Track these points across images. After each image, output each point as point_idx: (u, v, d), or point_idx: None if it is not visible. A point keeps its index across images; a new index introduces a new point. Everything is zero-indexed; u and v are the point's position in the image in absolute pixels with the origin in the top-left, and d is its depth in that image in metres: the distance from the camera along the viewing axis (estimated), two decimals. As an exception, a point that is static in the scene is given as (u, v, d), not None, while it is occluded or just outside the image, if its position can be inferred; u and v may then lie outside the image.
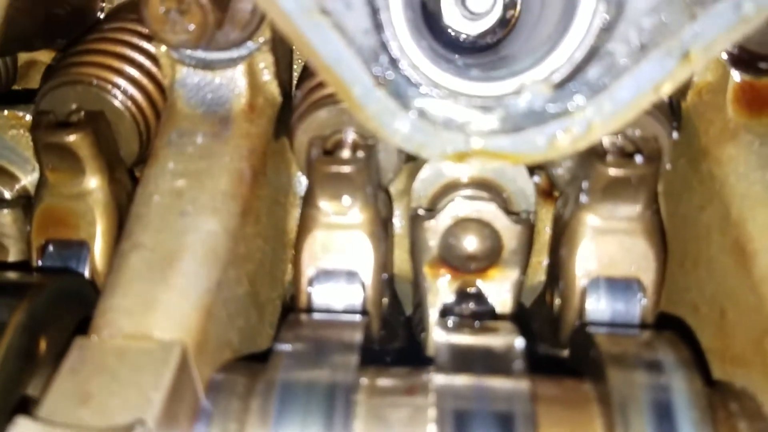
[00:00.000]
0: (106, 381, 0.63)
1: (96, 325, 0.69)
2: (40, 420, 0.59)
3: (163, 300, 0.70)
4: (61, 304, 0.78)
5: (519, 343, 0.71)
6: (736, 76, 0.86)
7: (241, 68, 0.90)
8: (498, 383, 0.65)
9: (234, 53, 0.90)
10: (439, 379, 0.65)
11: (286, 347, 0.71)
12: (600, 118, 0.69)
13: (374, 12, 0.67)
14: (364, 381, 0.70)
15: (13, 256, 0.99)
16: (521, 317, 1.07)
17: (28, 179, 1.02)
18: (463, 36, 1.15)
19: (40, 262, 0.90)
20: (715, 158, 0.85)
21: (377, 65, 0.68)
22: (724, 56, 0.86)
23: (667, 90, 0.67)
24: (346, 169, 0.83)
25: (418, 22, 0.90)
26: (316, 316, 0.81)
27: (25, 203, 0.98)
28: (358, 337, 0.73)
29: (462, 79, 0.72)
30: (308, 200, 0.88)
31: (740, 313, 0.77)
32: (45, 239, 0.90)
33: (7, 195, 1.01)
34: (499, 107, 0.71)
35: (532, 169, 0.95)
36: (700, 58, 0.65)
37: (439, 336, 0.73)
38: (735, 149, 0.83)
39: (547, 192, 1.06)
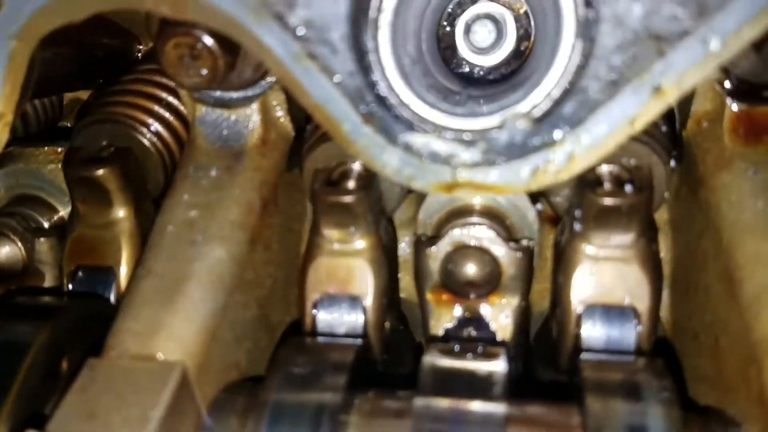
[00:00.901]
0: (111, 399, 0.68)
1: (107, 346, 0.74)
2: (48, 433, 0.64)
3: (168, 323, 0.75)
4: (84, 327, 0.84)
5: (502, 368, 0.73)
6: (732, 105, 0.86)
7: (255, 106, 0.95)
8: (475, 407, 0.66)
9: (249, 92, 0.95)
10: (418, 402, 0.67)
11: (280, 369, 0.74)
12: (579, 150, 0.71)
13: (360, 55, 0.71)
14: (356, 402, 0.73)
15: (48, 281, 1.06)
16: (526, 343, 1.09)
17: (64, 210, 1.09)
18: (477, 68, 1.18)
19: (71, 287, 0.97)
20: (711, 186, 0.85)
21: (363, 104, 0.72)
22: (723, 86, 0.87)
23: (641, 123, 0.68)
24: (347, 199, 0.87)
25: (420, 58, 0.94)
26: (313, 339, 0.84)
27: (60, 232, 1.05)
28: (350, 359, 0.76)
29: (447, 115, 0.75)
30: (313, 229, 0.91)
31: (730, 340, 0.76)
32: (75, 265, 0.97)
33: (45, 225, 1.08)
34: (481, 141, 0.73)
35: (536, 197, 0.97)
36: (673, 92, 0.66)
37: (426, 360, 0.75)
38: (729, 177, 0.83)
39: (554, 219, 1.07)
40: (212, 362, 0.78)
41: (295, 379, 0.73)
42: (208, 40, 0.80)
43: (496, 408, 0.66)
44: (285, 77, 0.71)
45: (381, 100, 0.73)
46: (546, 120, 0.70)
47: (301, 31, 0.68)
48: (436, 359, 0.74)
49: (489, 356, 0.75)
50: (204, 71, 0.83)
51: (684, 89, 0.66)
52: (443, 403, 0.67)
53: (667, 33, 0.62)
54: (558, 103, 0.70)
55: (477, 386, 0.70)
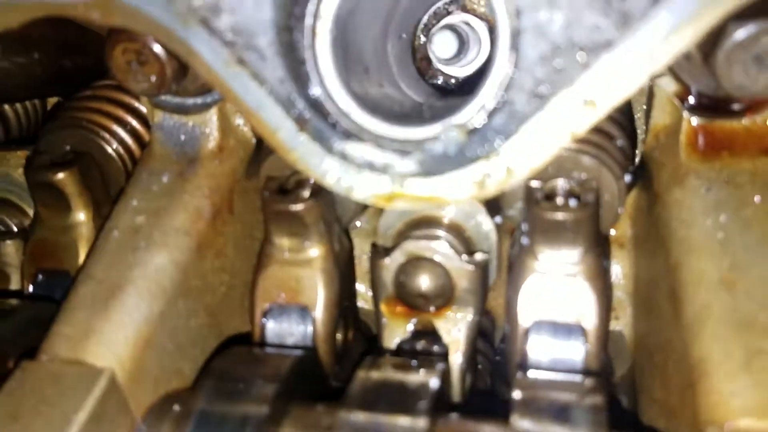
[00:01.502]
0: (35, 402, 0.67)
1: (41, 350, 0.74)
2: (-33, 435, 0.64)
3: (99, 329, 0.74)
4: (29, 330, 0.83)
5: (433, 383, 0.71)
6: (691, 119, 0.83)
7: (213, 112, 0.95)
8: (397, 421, 0.65)
9: (207, 98, 0.95)
10: (341, 416, 0.66)
11: (211, 378, 0.73)
12: (513, 162, 0.69)
13: (293, 62, 0.70)
14: (286, 415, 0.72)
15: (14, 283, 1.06)
16: (493, 357, 1.07)
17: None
18: (452, 80, 1.17)
19: (31, 289, 0.97)
20: (664, 202, 0.82)
21: (295, 110, 0.71)
22: (681, 100, 0.84)
23: (574, 136, 0.66)
24: (297, 207, 0.86)
25: (381, 67, 0.93)
26: (253, 348, 0.83)
27: (27, 235, 1.05)
28: (284, 369, 0.74)
29: (386, 124, 0.74)
30: (265, 237, 0.90)
31: (674, 361, 0.73)
32: (35, 269, 0.97)
33: (14, 227, 1.09)
34: (417, 151, 0.71)
35: (494, 211, 0.95)
36: (604, 103, 0.64)
37: (359, 373, 0.73)
38: (681, 193, 0.80)
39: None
40: (147, 369, 0.77)
41: (225, 389, 0.72)
42: (156, 47, 0.80)
43: (418, 423, 0.64)
44: (217, 84, 0.71)
45: (316, 108, 0.72)
46: (478, 132, 0.69)
47: (227, 36, 0.67)
48: (368, 372, 0.72)
49: (423, 370, 0.73)
50: (152, 77, 0.83)
51: (616, 101, 0.64)
52: (365, 417, 0.65)
53: (590, 44, 0.60)
54: (491, 115, 0.68)
55: (405, 400, 0.68)
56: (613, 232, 1.00)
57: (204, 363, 0.85)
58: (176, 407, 0.75)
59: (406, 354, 0.91)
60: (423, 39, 1.13)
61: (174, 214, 0.86)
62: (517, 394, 0.68)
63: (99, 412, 0.68)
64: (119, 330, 0.74)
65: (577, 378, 0.73)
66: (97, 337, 0.73)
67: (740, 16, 0.63)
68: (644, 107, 0.94)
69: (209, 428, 0.69)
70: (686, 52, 0.73)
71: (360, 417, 0.65)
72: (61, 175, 0.95)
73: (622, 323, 1.02)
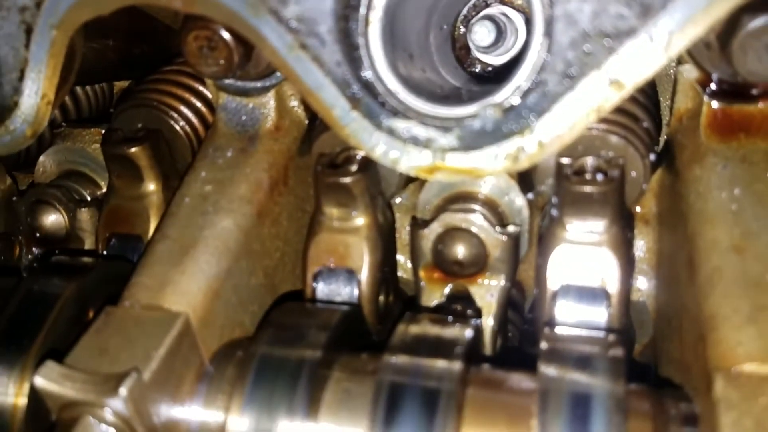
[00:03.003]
0: (120, 340, 0.77)
1: (123, 297, 0.83)
2: (64, 365, 0.73)
3: (175, 280, 0.83)
4: (108, 283, 0.94)
5: (468, 334, 0.79)
6: (712, 103, 0.89)
7: (271, 95, 1.03)
8: (435, 364, 0.73)
9: (266, 82, 1.03)
10: (384, 360, 0.74)
11: (269, 327, 0.82)
12: (545, 137, 0.76)
13: (348, 47, 0.78)
14: (337, 360, 0.80)
15: (87, 246, 1.17)
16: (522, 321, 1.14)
17: (105, 184, 1.20)
18: (489, 68, 1.24)
19: (105, 252, 1.07)
20: (684, 179, 0.88)
21: (350, 90, 0.79)
22: (702, 85, 0.90)
23: (601, 113, 0.73)
24: (345, 180, 0.94)
25: (424, 54, 1.00)
26: (305, 303, 0.92)
27: (100, 204, 1.16)
28: (334, 321, 0.83)
29: (430, 104, 0.81)
30: (316, 207, 0.99)
31: (689, 321, 0.80)
32: (109, 233, 1.07)
33: (87, 197, 1.20)
34: (457, 127, 0.79)
35: (527, 187, 1.02)
36: (629, 84, 0.71)
37: (400, 325, 0.81)
38: (700, 170, 0.86)
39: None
40: (215, 318, 0.86)
41: (282, 337, 0.81)
42: (225, 34, 0.89)
43: (454, 366, 0.72)
44: (281, 66, 0.79)
45: (368, 88, 0.80)
46: (514, 110, 0.76)
47: (293, 24, 0.76)
48: (408, 325, 0.81)
49: (458, 324, 0.81)
50: (221, 61, 0.92)
51: (639, 81, 0.71)
52: (405, 360, 0.73)
53: (615, 31, 0.67)
54: (525, 94, 0.75)
55: (441, 348, 0.76)
56: (638, 209, 1.06)
57: (262, 317, 0.94)
58: (239, 352, 0.84)
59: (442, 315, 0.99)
60: (462, 30, 1.20)
61: (237, 184, 0.95)
62: (544, 345, 0.76)
63: (175, 350, 0.77)
64: (192, 281, 0.84)
65: (600, 334, 0.80)
66: (173, 287, 0.83)
67: (753, 8, 0.69)
68: (669, 97, 1.00)
69: (269, 371, 0.78)
70: (706, 41, 0.80)
71: (401, 359, 0.74)
72: (134, 149, 1.05)
73: (645, 294, 1.09)
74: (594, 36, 0.68)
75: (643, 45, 0.68)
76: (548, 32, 0.71)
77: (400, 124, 0.80)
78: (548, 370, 0.72)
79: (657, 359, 1.01)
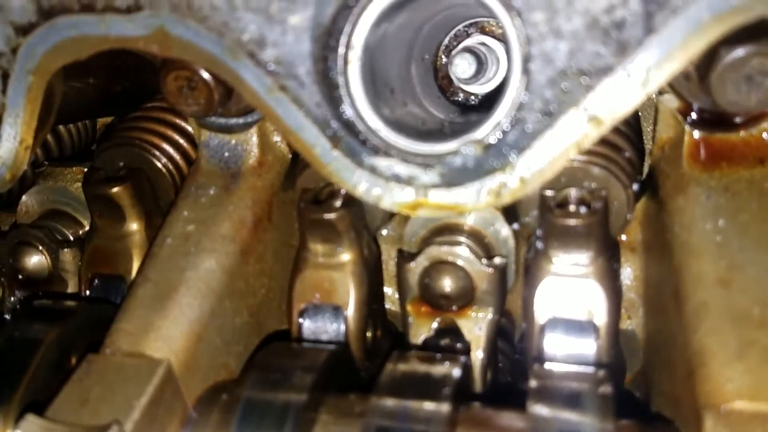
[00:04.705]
0: (101, 390, 0.76)
1: (104, 344, 0.82)
2: (44, 418, 0.72)
3: (157, 325, 0.82)
4: (90, 328, 0.92)
5: (456, 373, 0.78)
6: (691, 132, 0.89)
7: (253, 131, 1.03)
8: (423, 406, 0.72)
9: (248, 118, 1.03)
10: (371, 402, 0.73)
11: (255, 369, 0.81)
12: (527, 173, 0.76)
13: (328, 87, 0.78)
14: (323, 402, 0.79)
15: (71, 288, 1.15)
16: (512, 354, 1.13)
17: (88, 224, 1.19)
18: (472, 97, 1.25)
19: (87, 293, 1.06)
20: (668, 209, 0.88)
21: (331, 130, 0.78)
22: (683, 114, 0.90)
23: (581, 149, 0.73)
24: (330, 216, 0.93)
25: (405, 86, 1.00)
26: (291, 343, 0.91)
27: (83, 244, 1.14)
28: (320, 361, 0.82)
29: (411, 141, 0.81)
30: (301, 243, 0.98)
31: (677, 354, 0.79)
32: (92, 274, 1.06)
33: (70, 237, 1.19)
34: (438, 164, 0.79)
35: (512, 218, 1.02)
36: (608, 120, 0.71)
37: (387, 365, 0.80)
38: (683, 201, 0.86)
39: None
40: (199, 362, 0.85)
41: (268, 379, 0.80)
42: (204, 74, 0.88)
43: (442, 408, 0.71)
44: (261, 107, 0.79)
45: (348, 127, 0.80)
46: (494, 147, 0.76)
47: (271, 67, 0.76)
48: (396, 364, 0.80)
49: (447, 362, 0.80)
50: (201, 101, 0.91)
51: (617, 118, 0.71)
52: (393, 403, 0.72)
53: (592, 68, 0.67)
54: (505, 132, 0.75)
55: (430, 388, 0.75)
56: (624, 237, 1.06)
57: (248, 357, 0.93)
58: (224, 396, 0.83)
59: (430, 350, 0.98)
60: (444, 59, 1.21)
61: (220, 223, 0.94)
62: (533, 383, 0.75)
63: (157, 399, 0.76)
64: (174, 326, 0.83)
65: (589, 369, 0.79)
66: (155, 333, 0.82)
67: (730, 40, 0.70)
68: (651, 122, 1.00)
69: (254, 414, 0.76)
70: (685, 73, 0.81)
71: (388, 403, 0.72)
72: (116, 189, 1.04)
73: (634, 323, 1.08)
74: (571, 74, 0.68)
75: (621, 82, 0.68)
76: (526, 71, 0.71)
77: (381, 162, 0.80)
78: (538, 408, 0.71)
79: (648, 388, 1.01)
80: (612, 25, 0.66)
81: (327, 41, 0.77)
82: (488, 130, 0.77)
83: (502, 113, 0.75)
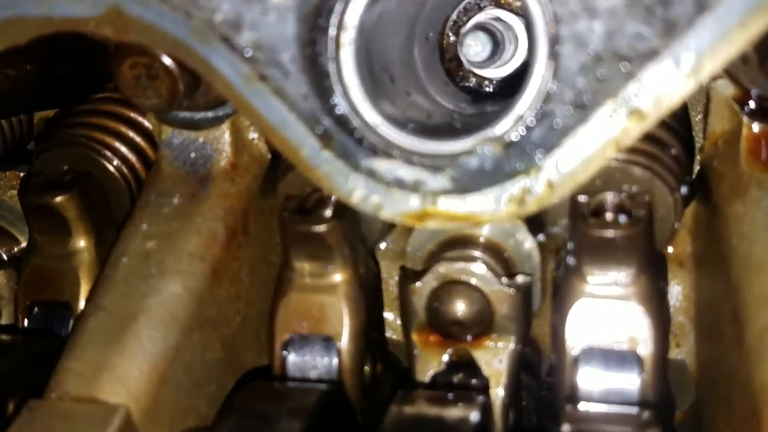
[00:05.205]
0: (47, 443, 0.76)
1: (49, 387, 0.82)
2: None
3: (113, 364, 0.82)
4: (32, 367, 0.92)
5: (474, 417, 0.78)
6: (750, 124, 0.90)
7: (225, 127, 1.03)
8: (434, 459, 0.72)
9: (219, 112, 1.03)
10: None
11: (230, 415, 0.81)
12: (555, 177, 0.77)
13: (317, 76, 0.78)
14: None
15: (5, 317, 1.15)
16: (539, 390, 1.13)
17: (26, 240, 1.19)
18: (486, 82, 1.25)
19: (26, 323, 1.06)
20: (724, 216, 0.89)
21: (320, 127, 0.79)
22: (740, 104, 0.91)
23: (620, 147, 0.74)
24: (318, 228, 0.94)
25: (407, 72, 1.01)
26: (274, 383, 0.91)
27: (20, 264, 1.15)
28: (310, 404, 0.82)
29: (416, 138, 0.82)
30: (284, 261, 0.99)
31: (738, 389, 0.80)
32: (31, 300, 1.06)
33: (4, 256, 1.19)
34: (450, 167, 0.79)
35: (537, 228, 1.02)
36: (652, 114, 0.72)
37: (392, 407, 0.81)
38: (742, 207, 0.87)
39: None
40: (163, 407, 0.85)
41: (247, 426, 0.80)
42: (167, 60, 0.89)
43: (457, 461, 0.72)
44: (237, 101, 0.79)
45: (341, 123, 0.80)
46: (516, 145, 0.76)
47: (249, 53, 0.76)
48: (401, 407, 0.80)
49: (461, 404, 0.80)
50: (163, 92, 0.91)
51: (664, 110, 0.72)
52: (399, 453, 0.72)
53: (633, 53, 0.68)
54: (530, 128, 0.76)
55: (442, 436, 0.75)
56: (670, 249, 1.07)
57: (222, 401, 0.93)
58: (194, 448, 0.83)
59: (441, 388, 0.99)
60: (452, 38, 1.21)
61: (187, 238, 0.95)
62: (565, 428, 0.75)
63: (115, 452, 0.76)
64: (133, 364, 0.83)
65: (633, 410, 0.80)
66: (110, 373, 0.82)
67: (796, 17, 0.70)
68: (701, 112, 1.01)
69: (233, 468, 0.77)
70: (743, 55, 0.81)
71: (395, 454, 0.73)
72: (59, 198, 1.04)
73: (684, 351, 1.09)
74: (608, 59, 0.69)
75: (667, 68, 0.69)
76: (553, 55, 0.71)
77: (381, 165, 0.80)
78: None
79: (702, 429, 1.01)
80: (657, 1, 0.67)
81: (315, 21, 0.77)
82: (509, 126, 0.77)
83: (525, 105, 0.76)
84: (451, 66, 1.23)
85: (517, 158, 0.77)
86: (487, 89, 1.25)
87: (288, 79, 0.77)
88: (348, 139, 0.80)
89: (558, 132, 0.74)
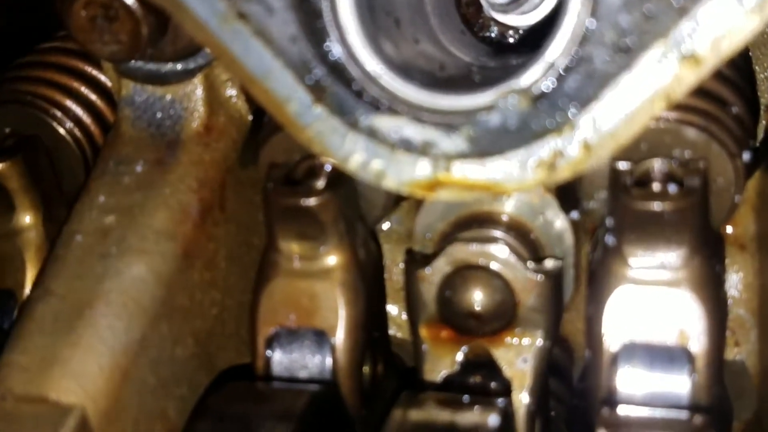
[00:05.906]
0: (-13, 450, 0.77)
1: (-10, 386, 0.83)
2: None
3: (65, 357, 0.83)
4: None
5: (492, 421, 0.78)
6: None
7: (197, 81, 1.03)
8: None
9: (190, 63, 1.04)
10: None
11: (203, 421, 0.81)
12: (595, 137, 0.76)
13: (306, 14, 0.78)
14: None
15: (-63, 307, 1.16)
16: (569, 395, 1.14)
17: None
18: (510, 32, 1.25)
19: (-37, 315, 1.07)
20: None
21: (311, 76, 0.79)
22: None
23: (671, 101, 0.74)
24: (309, 202, 0.94)
25: (416, 16, 1.01)
26: (257, 383, 0.92)
27: (-46, 245, 1.15)
28: (298, 408, 0.82)
29: (426, 91, 0.81)
30: (268, 242, 0.99)
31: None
32: (-31, 288, 1.07)
33: (-64, 236, 1.19)
34: (466, 125, 0.79)
35: (571, 204, 1.02)
36: (709, 60, 0.71)
37: (395, 412, 0.81)
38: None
39: (598, 233, 1.12)
40: (125, 409, 0.86)
41: (223, 432, 0.80)
42: (128, -1, 0.89)
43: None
44: (212, 45, 0.79)
45: (337, 72, 0.80)
46: (547, 98, 0.76)
47: (226, -14, 0.76)
48: (407, 411, 0.80)
49: (478, 407, 0.81)
50: (123, 38, 0.92)
51: (724, 55, 0.71)
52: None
53: (687, -16, 0.68)
54: (563, 76, 0.76)
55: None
56: (729, 229, 1.07)
57: (195, 403, 0.94)
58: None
59: (454, 391, 0.99)
60: (470, -23, 1.21)
61: (152, 213, 0.95)
62: (605, 435, 0.76)
63: (67, 463, 0.77)
64: (90, 358, 0.83)
65: (681, 415, 0.80)
66: (62, 367, 0.82)
67: None
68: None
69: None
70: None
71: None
72: (0, 166, 1.04)
73: (744, 351, 1.09)
74: (656, -7, 0.69)
75: (728, 3, 0.68)
76: (591, -13, 0.71)
77: (384, 123, 0.80)
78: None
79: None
80: None
81: (305, -52, 0.77)
82: (538, 75, 0.77)
83: (557, 49, 0.76)
84: (469, 12, 1.23)
85: (546, 114, 0.77)
86: (510, 40, 1.25)
87: (272, 18, 0.77)
88: (345, 91, 0.80)
89: (596, 81, 0.73)
